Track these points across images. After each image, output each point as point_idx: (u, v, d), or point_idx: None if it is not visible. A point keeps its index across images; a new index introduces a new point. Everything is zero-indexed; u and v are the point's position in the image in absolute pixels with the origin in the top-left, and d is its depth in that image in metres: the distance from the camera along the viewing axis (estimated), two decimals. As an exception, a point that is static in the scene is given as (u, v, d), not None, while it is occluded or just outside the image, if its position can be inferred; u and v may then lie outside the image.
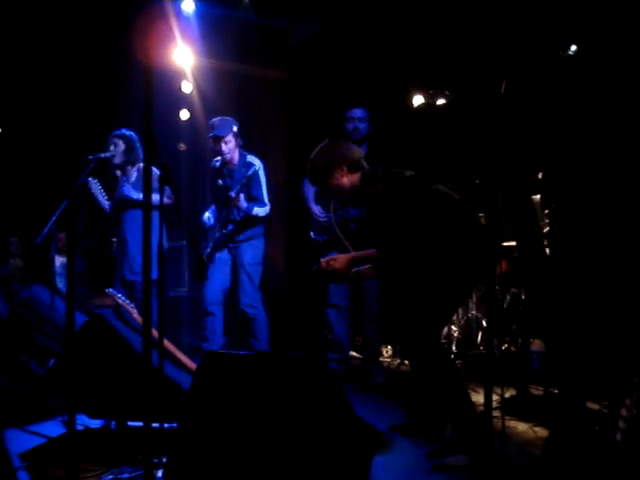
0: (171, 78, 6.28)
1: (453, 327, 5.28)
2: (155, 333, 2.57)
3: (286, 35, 6.72)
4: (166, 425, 2.67)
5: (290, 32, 6.69)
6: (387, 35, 5.89)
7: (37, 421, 3.56)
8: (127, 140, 4.83)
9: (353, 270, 3.11)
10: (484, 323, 5.17)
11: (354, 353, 5.55)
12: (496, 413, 3.17)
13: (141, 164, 4.80)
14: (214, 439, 2.40)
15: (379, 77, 6.08)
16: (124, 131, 4.86)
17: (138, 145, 4.85)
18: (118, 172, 4.92)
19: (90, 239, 6.92)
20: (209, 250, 4.71)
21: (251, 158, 4.78)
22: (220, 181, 4.78)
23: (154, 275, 2.14)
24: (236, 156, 4.78)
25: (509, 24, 3.96)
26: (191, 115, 6.75)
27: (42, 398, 3.86)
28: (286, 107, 6.90)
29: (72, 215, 3.30)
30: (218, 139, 4.66)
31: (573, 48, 4.32)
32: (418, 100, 6.36)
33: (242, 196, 4.56)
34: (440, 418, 3.32)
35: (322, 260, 3.11)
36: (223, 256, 4.75)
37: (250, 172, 4.58)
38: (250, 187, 4.66)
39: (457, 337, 5.32)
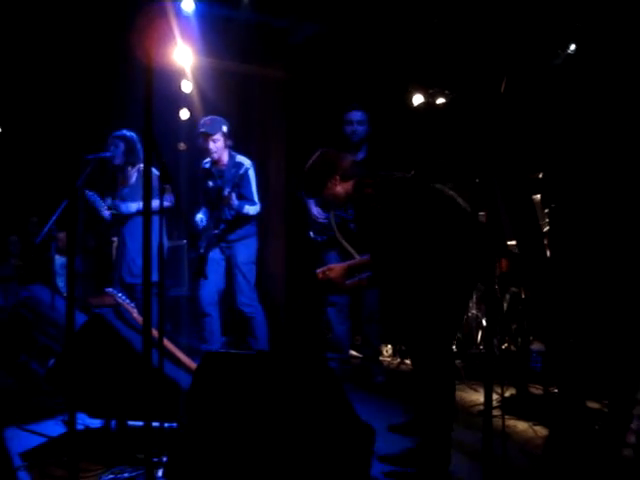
0: (171, 78, 6.28)
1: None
2: (155, 333, 2.57)
3: (286, 35, 6.72)
4: (166, 424, 2.67)
5: (290, 32, 6.69)
6: (387, 34, 5.90)
7: (37, 420, 3.55)
8: (127, 141, 4.83)
9: (348, 282, 3.11)
10: (484, 322, 5.18)
11: (354, 352, 5.56)
12: (496, 412, 3.17)
13: (141, 165, 4.80)
14: (214, 438, 2.40)
15: (379, 76, 6.09)
16: (125, 132, 4.85)
17: (139, 146, 4.85)
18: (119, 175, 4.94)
19: (90, 239, 6.92)
20: (202, 251, 4.72)
21: (240, 158, 4.80)
22: (210, 182, 4.79)
23: (154, 277, 2.13)
24: (225, 157, 4.79)
25: (509, 23, 3.96)
26: (191, 115, 6.75)
27: (42, 397, 3.86)
28: (286, 107, 6.90)
29: (72, 215, 3.30)
30: (206, 136, 4.68)
31: (572, 47, 4.33)
32: (418, 99, 6.38)
33: (234, 195, 4.58)
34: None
35: (318, 271, 3.11)
36: (216, 256, 4.77)
37: (242, 171, 4.62)
38: (241, 186, 4.68)
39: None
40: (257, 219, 4.88)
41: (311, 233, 4.87)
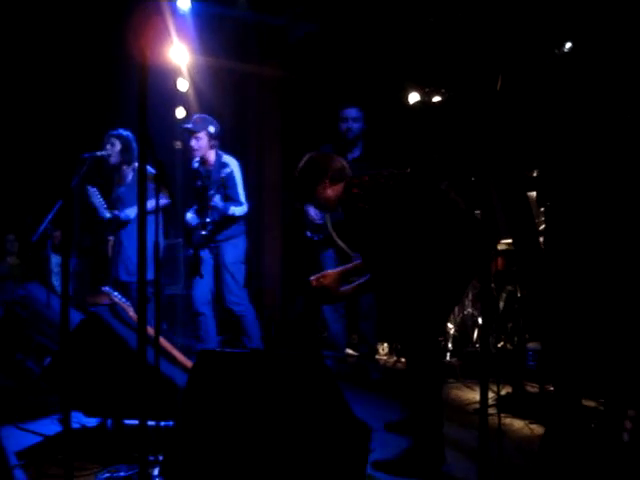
0: (167, 76, 6.27)
1: (449, 324, 5.30)
2: (151, 331, 2.57)
3: (283, 33, 6.72)
4: (162, 423, 2.67)
5: (287, 30, 6.69)
6: (383, 33, 5.90)
7: (33, 419, 3.55)
8: (123, 140, 4.82)
9: (342, 289, 3.11)
10: (480, 320, 5.18)
11: (350, 350, 5.56)
12: (492, 410, 3.17)
13: (137, 163, 4.78)
14: (210, 437, 2.40)
15: (375, 75, 6.09)
16: (121, 131, 4.85)
17: (134, 145, 4.83)
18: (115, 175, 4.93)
19: (86, 238, 6.91)
20: (192, 250, 4.72)
21: (227, 158, 4.79)
22: (198, 182, 4.79)
23: (150, 275, 2.13)
24: (212, 156, 4.78)
25: (504, 21, 3.96)
26: (187, 113, 6.74)
27: (38, 396, 3.85)
28: (282, 105, 6.90)
29: (67, 214, 3.30)
30: (190, 133, 4.68)
31: (568, 45, 4.34)
32: (414, 97, 6.38)
33: (218, 197, 4.58)
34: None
35: (312, 278, 3.11)
36: (205, 256, 4.76)
37: (227, 171, 4.63)
38: (227, 187, 4.67)
39: (453, 334, 5.34)
40: (246, 218, 4.87)
41: (308, 232, 4.88)
